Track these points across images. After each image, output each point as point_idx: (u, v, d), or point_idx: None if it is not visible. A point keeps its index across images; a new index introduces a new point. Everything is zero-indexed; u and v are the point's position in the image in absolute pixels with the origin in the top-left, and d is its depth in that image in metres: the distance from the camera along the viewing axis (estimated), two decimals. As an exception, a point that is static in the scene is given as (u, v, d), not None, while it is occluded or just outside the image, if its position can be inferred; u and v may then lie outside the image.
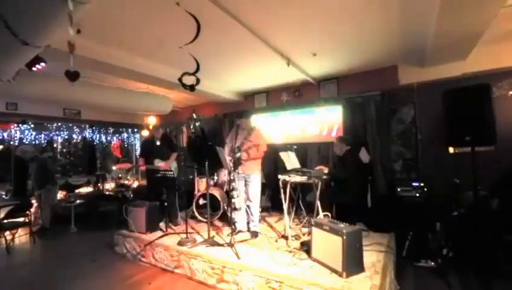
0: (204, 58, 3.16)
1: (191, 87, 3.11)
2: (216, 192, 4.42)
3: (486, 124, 2.45)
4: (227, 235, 3.47)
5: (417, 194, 3.68)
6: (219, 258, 2.84)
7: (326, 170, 3.63)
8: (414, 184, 3.78)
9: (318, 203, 3.31)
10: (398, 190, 3.82)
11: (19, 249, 4.19)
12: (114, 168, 7.30)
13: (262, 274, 2.48)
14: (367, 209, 3.76)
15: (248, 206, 3.61)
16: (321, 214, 3.21)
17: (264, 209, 4.77)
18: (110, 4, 2.57)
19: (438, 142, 3.65)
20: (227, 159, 3.46)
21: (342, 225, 2.50)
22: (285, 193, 3.40)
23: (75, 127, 6.89)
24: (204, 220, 4.07)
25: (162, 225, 3.95)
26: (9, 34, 2.13)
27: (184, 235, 3.38)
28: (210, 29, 2.92)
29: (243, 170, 3.53)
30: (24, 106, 5.66)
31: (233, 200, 3.48)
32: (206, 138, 6.19)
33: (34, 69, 3.35)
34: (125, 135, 8.10)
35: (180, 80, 2.99)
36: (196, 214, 4.49)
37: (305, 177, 3.31)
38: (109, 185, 6.87)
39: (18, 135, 5.76)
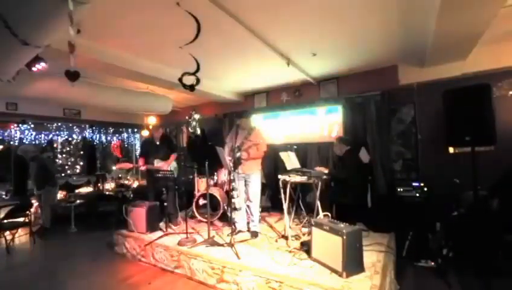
0: (204, 58, 3.16)
1: (191, 87, 3.11)
2: (216, 192, 4.42)
3: (486, 124, 2.45)
4: (227, 235, 3.47)
5: (417, 194, 3.68)
6: (219, 258, 2.84)
7: (326, 170, 3.64)
8: (414, 184, 3.78)
9: (318, 203, 3.31)
10: (398, 190, 3.82)
11: (19, 249, 4.19)
12: (114, 168, 7.31)
13: (262, 274, 2.48)
14: (367, 209, 3.76)
15: (248, 206, 3.60)
16: (321, 214, 3.21)
17: (264, 209, 4.77)
18: (110, 4, 2.57)
19: (438, 142, 3.65)
20: (227, 159, 3.46)
21: (342, 225, 2.50)
22: (285, 193, 3.40)
23: (75, 127, 6.89)
24: (204, 220, 4.07)
25: (162, 225, 3.95)
26: (9, 34, 2.13)
27: (184, 235, 3.38)
28: (210, 29, 2.92)
29: (243, 170, 3.53)
30: (24, 106, 5.66)
31: (233, 200, 3.48)
32: (206, 138, 6.20)
33: (34, 69, 3.35)
34: (125, 135, 8.10)
35: (180, 80, 2.99)
36: (196, 214, 4.49)
37: (305, 177, 3.31)
38: (109, 185, 6.87)
39: (18, 135, 5.76)
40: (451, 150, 3.90)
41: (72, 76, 2.79)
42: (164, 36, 3.30)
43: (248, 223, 3.66)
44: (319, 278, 2.34)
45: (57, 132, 6.55)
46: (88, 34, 2.91)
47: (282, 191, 3.41)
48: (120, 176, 7.33)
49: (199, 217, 4.43)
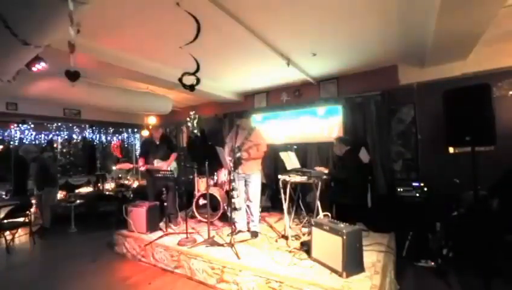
0: (205, 58, 3.16)
1: (191, 87, 3.11)
2: (216, 192, 4.42)
3: (486, 124, 2.45)
4: (227, 235, 3.47)
5: (417, 194, 3.68)
6: (219, 258, 2.84)
7: (326, 170, 3.64)
8: (414, 184, 3.78)
9: (318, 203, 3.31)
10: (398, 190, 3.82)
11: (19, 249, 4.19)
12: (114, 168, 7.31)
13: (262, 274, 2.47)
14: (367, 209, 3.76)
15: (248, 206, 3.60)
16: (321, 214, 3.21)
17: (264, 209, 4.77)
18: (111, 4, 2.57)
19: (438, 142, 3.64)
20: (227, 159, 3.47)
21: (342, 225, 2.50)
22: (285, 193, 3.40)
23: (75, 127, 6.89)
24: (204, 220, 4.07)
25: (162, 225, 3.95)
26: (9, 34, 2.13)
27: (184, 235, 3.38)
28: (210, 29, 2.92)
29: (243, 170, 3.52)
30: (24, 106, 5.66)
31: (233, 200, 3.48)
32: (206, 138, 6.20)
33: (34, 69, 3.35)
34: (125, 135, 8.10)
35: (180, 80, 2.99)
36: (196, 214, 4.49)
37: (305, 177, 3.31)
38: (109, 185, 6.88)
39: (18, 135, 5.76)
40: (451, 150, 3.90)
41: (72, 76, 2.80)
42: (164, 36, 3.30)
43: (248, 223, 3.66)
44: (319, 278, 2.34)
45: (57, 132, 6.56)
46: (88, 34, 2.91)
47: (282, 191, 3.41)
48: (120, 176, 7.33)
49: (199, 217, 4.43)
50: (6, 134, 5.67)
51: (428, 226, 3.31)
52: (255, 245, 3.23)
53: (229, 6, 2.64)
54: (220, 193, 4.45)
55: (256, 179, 3.57)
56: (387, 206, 3.86)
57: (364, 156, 4.03)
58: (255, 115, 5.96)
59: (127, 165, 4.30)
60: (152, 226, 3.78)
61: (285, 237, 3.37)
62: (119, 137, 7.97)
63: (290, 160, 3.63)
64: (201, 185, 4.85)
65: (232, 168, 3.45)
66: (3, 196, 5.26)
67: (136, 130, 8.29)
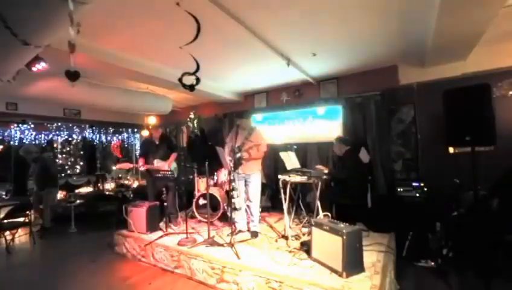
0: (204, 58, 3.16)
1: (191, 87, 3.11)
2: (216, 192, 4.42)
3: (486, 124, 2.45)
4: (227, 235, 3.47)
5: (417, 194, 3.68)
6: (219, 258, 2.84)
7: (326, 170, 3.64)
8: (414, 184, 3.78)
9: (318, 203, 3.31)
10: (398, 190, 3.82)
11: (19, 249, 4.19)
12: (114, 168, 7.31)
13: (262, 274, 2.47)
14: (367, 209, 3.76)
15: (248, 206, 3.61)
16: (321, 214, 3.21)
17: (264, 209, 4.77)
18: (111, 4, 2.57)
19: (438, 142, 3.64)
20: (228, 159, 3.47)
21: (342, 225, 2.50)
22: (285, 193, 3.40)
23: (75, 127, 6.89)
24: (204, 220, 4.07)
25: (162, 225, 3.95)
26: (9, 34, 2.13)
27: (184, 235, 3.38)
28: (210, 29, 2.93)
29: (243, 170, 3.52)
30: (24, 106, 5.66)
31: (233, 200, 3.48)
32: (206, 138, 6.20)
33: (34, 69, 3.35)
34: (125, 135, 8.10)
35: (180, 80, 2.99)
36: (196, 214, 4.49)
37: (305, 177, 3.31)
38: (109, 185, 6.88)
39: (18, 135, 5.76)
40: (451, 150, 3.90)
41: (72, 76, 2.79)
42: (164, 36, 3.30)
43: (248, 223, 3.66)
44: (319, 278, 2.34)
45: (57, 132, 6.56)
46: (88, 34, 2.90)
47: (282, 191, 3.41)
48: (120, 176, 7.34)
49: (199, 217, 4.43)
50: (6, 134, 5.67)
51: (428, 226, 3.31)
52: (255, 245, 3.23)
53: (229, 6, 2.64)
54: (220, 193, 4.45)
55: (256, 179, 3.57)
56: (387, 206, 3.86)
57: (364, 156, 4.03)
58: (255, 115, 5.96)
59: (127, 165, 4.30)
60: (152, 226, 3.78)
61: (285, 237, 3.37)
62: (119, 137, 7.96)
63: (290, 160, 3.63)
64: (201, 185, 4.85)
65: (232, 168, 3.45)
66: (3, 196, 5.26)
67: (136, 130, 8.29)
